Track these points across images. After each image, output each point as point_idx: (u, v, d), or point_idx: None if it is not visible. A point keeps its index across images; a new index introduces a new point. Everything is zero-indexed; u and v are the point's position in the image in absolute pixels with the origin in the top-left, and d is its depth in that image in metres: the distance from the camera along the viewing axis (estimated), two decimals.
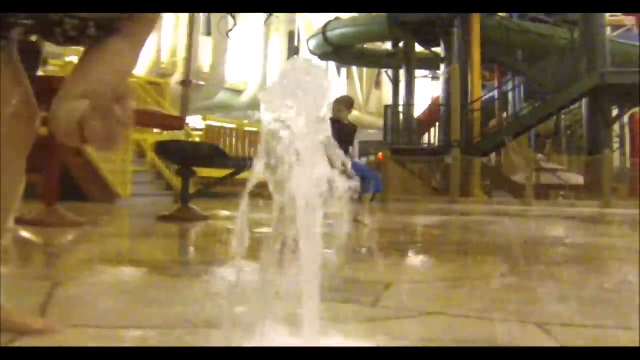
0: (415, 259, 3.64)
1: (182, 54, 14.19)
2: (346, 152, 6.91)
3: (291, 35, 18.65)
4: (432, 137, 17.57)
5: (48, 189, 5.02)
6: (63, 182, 5.75)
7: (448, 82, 16.40)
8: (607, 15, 17.17)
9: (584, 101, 16.07)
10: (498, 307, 1.98)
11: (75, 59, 10.66)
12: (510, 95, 19.20)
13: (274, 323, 1.23)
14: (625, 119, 19.47)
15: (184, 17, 15.75)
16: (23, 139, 1.38)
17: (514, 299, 2.16)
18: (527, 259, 3.73)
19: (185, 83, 7.09)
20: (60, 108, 1.28)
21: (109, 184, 10.15)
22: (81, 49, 1.43)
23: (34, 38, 1.41)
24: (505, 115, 18.40)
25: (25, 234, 4.17)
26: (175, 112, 9.14)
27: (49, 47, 1.48)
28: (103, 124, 1.13)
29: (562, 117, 20.43)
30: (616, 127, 19.38)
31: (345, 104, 6.07)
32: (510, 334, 1.62)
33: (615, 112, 16.90)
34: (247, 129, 14.25)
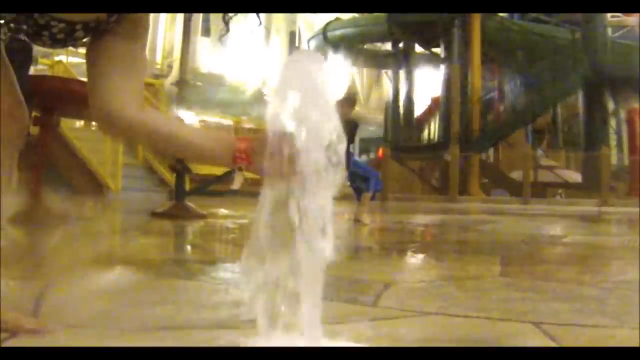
0: (414, 259, 3.63)
1: (177, 54, 14.20)
2: (347, 149, 6.85)
3: (292, 36, 18.65)
4: (431, 133, 17.55)
5: (38, 188, 4.96)
6: (52, 175, 5.71)
7: (448, 83, 16.38)
8: (609, 15, 17.16)
9: (581, 97, 16.05)
10: (497, 307, 1.97)
11: (63, 58, 10.60)
12: (507, 89, 19.15)
13: (274, 323, 1.22)
14: (622, 115, 19.45)
15: (180, 17, 15.72)
16: (13, 138, 1.38)
17: (513, 298, 2.15)
18: (525, 258, 3.72)
19: (180, 83, 7.09)
20: (146, 125, 1.37)
21: (99, 176, 10.09)
22: (70, 49, 1.45)
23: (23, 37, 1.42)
24: (502, 108, 18.36)
25: (15, 232, 4.14)
26: (170, 113, 9.13)
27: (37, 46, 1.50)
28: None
29: (559, 111, 20.39)
30: (613, 124, 19.37)
31: (347, 101, 6.03)
32: (509, 333, 1.62)
33: (611, 108, 16.86)
34: (246, 125, 14.21)
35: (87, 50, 1.42)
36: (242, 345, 1.30)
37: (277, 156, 1.28)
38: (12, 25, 1.35)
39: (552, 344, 1.50)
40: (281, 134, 1.29)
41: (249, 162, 1.33)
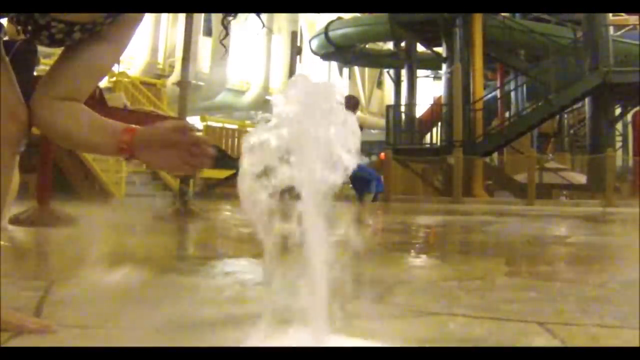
0: (418, 259, 3.62)
1: (179, 54, 14.30)
2: None
3: (294, 35, 18.69)
4: (434, 137, 17.58)
5: (42, 189, 5.02)
6: (55, 181, 5.78)
7: (450, 82, 16.40)
8: (610, 14, 17.15)
9: (587, 100, 16.06)
10: (501, 307, 1.97)
11: None
12: (512, 94, 19.21)
13: (278, 321, 1.22)
14: (628, 117, 19.47)
15: (182, 16, 15.79)
16: (14, 138, 1.39)
17: (517, 298, 2.15)
18: (529, 258, 3.72)
19: (182, 83, 7.11)
20: (43, 107, 1.37)
21: (103, 183, 10.15)
22: None
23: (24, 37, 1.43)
24: (507, 114, 18.41)
25: (19, 233, 4.17)
26: (173, 113, 9.17)
27: (40, 47, 1.52)
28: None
29: (565, 116, 20.42)
30: (619, 126, 19.38)
31: (350, 104, 6.04)
32: (514, 333, 1.62)
33: (618, 111, 16.88)
34: (249, 129, 14.26)
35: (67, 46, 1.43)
36: (244, 344, 1.30)
37: (175, 150, 1.27)
38: (19, 27, 1.36)
39: (557, 344, 1.50)
40: (177, 125, 1.27)
41: (132, 154, 1.32)
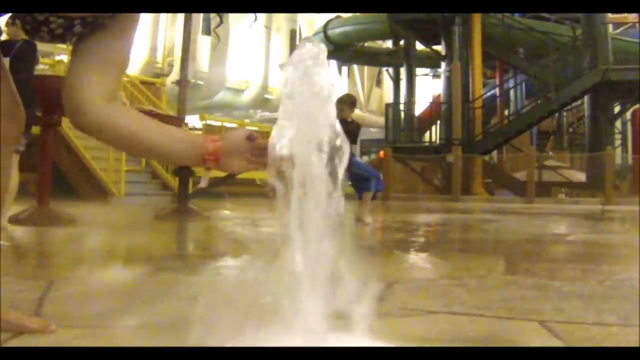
0: (417, 257, 3.62)
1: (178, 53, 14.29)
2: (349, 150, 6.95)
3: (292, 34, 18.69)
4: (433, 135, 17.59)
5: (41, 189, 5.02)
6: (55, 180, 5.79)
7: (449, 80, 16.40)
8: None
9: (586, 98, 16.06)
10: (501, 305, 1.97)
11: (64, 58, 10.65)
12: (511, 93, 19.21)
13: (275, 321, 1.22)
14: (627, 115, 19.49)
15: (180, 16, 15.80)
16: (12, 137, 1.39)
17: (517, 296, 2.15)
18: (529, 257, 3.72)
19: (182, 82, 7.10)
20: (100, 111, 1.35)
21: (102, 182, 10.13)
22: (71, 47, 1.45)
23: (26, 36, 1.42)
24: (507, 112, 18.42)
25: (19, 232, 4.17)
26: (172, 112, 9.17)
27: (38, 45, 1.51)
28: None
29: (564, 114, 20.43)
30: (618, 124, 19.40)
31: (347, 102, 6.02)
32: (514, 331, 1.62)
33: (617, 109, 16.88)
34: (248, 127, 14.24)
35: (75, 43, 1.41)
36: (244, 344, 1.30)
37: (243, 154, 1.34)
38: (27, 27, 1.36)
39: (557, 342, 1.49)
40: (246, 133, 1.35)
41: (218, 162, 1.36)
